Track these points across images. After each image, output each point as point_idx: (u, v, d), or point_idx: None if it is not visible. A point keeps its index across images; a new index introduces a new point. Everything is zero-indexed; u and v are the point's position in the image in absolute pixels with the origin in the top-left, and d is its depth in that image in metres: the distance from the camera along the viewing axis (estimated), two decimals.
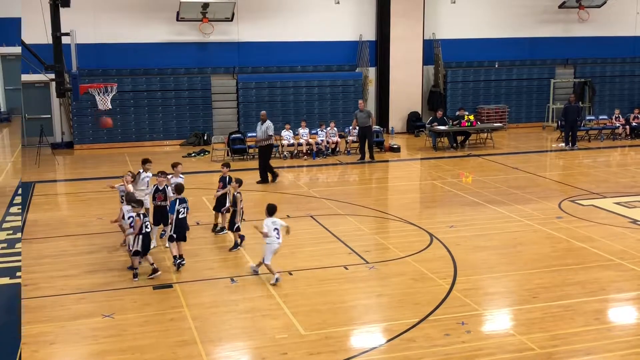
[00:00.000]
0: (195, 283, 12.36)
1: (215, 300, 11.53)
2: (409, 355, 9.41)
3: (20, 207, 16.49)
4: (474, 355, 9.38)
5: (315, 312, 10.98)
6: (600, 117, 29.39)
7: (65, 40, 16.89)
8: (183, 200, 13.06)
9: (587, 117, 28.67)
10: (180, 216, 12.90)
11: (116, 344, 9.97)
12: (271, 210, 12.43)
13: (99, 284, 12.45)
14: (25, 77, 26.11)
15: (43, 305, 11.42)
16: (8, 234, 13.11)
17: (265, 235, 12.11)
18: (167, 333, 10.25)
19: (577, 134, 25.79)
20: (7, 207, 14.73)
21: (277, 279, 12.11)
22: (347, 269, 12.87)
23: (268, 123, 20.73)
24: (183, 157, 24.99)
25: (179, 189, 13.32)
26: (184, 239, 13.09)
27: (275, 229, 12.23)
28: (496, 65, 31.39)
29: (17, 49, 26.07)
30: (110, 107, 20.51)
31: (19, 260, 11.62)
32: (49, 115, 27.22)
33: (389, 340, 9.93)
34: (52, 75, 16.86)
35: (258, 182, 20.46)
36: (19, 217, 13.99)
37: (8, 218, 14.06)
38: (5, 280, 10.86)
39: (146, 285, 12.23)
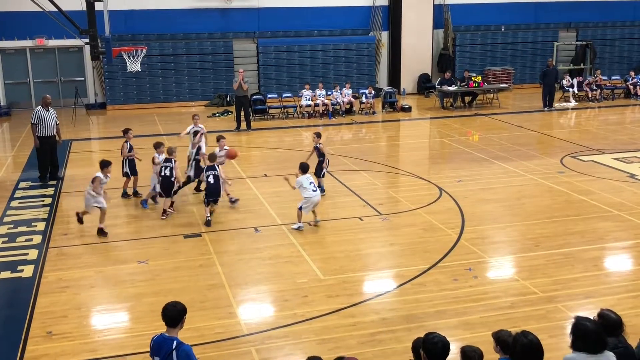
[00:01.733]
0: (222, 232, 12.52)
1: (240, 248, 11.69)
2: (419, 298, 9.56)
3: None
4: (480, 298, 9.52)
5: (332, 259, 11.12)
6: (613, 77, 29.35)
7: (97, 6, 16.85)
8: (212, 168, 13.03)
9: (588, 78, 28.34)
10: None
11: (151, 287, 10.18)
12: (305, 168, 12.66)
13: (133, 232, 12.69)
14: (60, 42, 26.12)
15: (82, 253, 11.66)
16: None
17: (292, 188, 12.52)
18: (197, 278, 10.44)
19: (554, 96, 25.60)
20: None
21: (299, 227, 12.37)
22: (362, 220, 12.98)
23: None
24: (208, 117, 25.03)
25: (211, 157, 13.30)
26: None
27: (311, 182, 12.46)
28: (502, 29, 31.01)
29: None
30: (139, 69, 20.56)
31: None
32: (83, 78, 27.28)
33: (401, 285, 10.07)
34: (87, 39, 16.82)
35: None
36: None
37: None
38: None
39: (177, 234, 12.41)
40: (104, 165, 12.74)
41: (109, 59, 18.09)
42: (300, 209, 12.43)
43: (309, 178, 12.52)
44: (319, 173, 14.46)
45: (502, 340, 5.75)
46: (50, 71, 26.97)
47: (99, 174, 12.52)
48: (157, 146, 14.23)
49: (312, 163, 14.11)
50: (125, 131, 15.17)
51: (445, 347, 5.34)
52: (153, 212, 13.80)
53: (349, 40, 29.22)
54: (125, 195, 14.72)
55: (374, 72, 29.64)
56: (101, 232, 12.37)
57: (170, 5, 27.18)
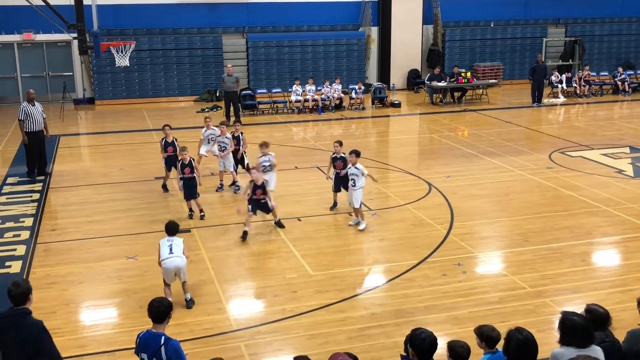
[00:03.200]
0: (211, 228, 12.50)
1: (230, 244, 11.68)
2: (408, 293, 9.59)
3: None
4: (469, 293, 9.56)
5: (322, 254, 11.12)
6: (601, 73, 29.36)
7: (86, 1, 16.78)
8: None
9: (576, 73, 28.45)
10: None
11: (139, 283, 10.15)
12: (359, 153, 12.36)
13: (122, 228, 12.60)
14: (48, 37, 25.94)
15: (71, 248, 11.61)
16: None
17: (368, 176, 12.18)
18: (187, 273, 10.38)
19: (543, 92, 25.69)
20: None
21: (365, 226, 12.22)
22: (351, 215, 12.97)
23: None
24: (197, 112, 24.98)
25: None
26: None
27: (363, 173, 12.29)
28: (492, 25, 31.08)
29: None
30: (128, 64, 20.49)
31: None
32: (71, 73, 27.12)
33: (390, 280, 10.10)
34: (75, 34, 16.73)
35: None
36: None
37: None
38: None
39: None
40: (174, 230, 9.69)
41: (98, 53, 18.06)
42: (359, 206, 12.25)
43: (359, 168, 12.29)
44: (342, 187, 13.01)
45: (486, 335, 5.76)
46: (38, 66, 26.80)
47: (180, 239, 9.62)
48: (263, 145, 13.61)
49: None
50: (163, 128, 14.92)
51: (432, 343, 5.33)
52: (143, 206, 13.73)
53: (339, 36, 29.20)
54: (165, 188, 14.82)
55: (363, 67, 29.64)
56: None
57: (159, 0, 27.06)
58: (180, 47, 27.58)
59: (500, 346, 5.68)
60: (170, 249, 9.26)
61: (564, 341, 5.58)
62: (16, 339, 6.05)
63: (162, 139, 14.70)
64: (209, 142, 15.41)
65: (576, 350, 5.43)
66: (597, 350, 5.53)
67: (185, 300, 9.42)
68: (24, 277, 10.39)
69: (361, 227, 12.24)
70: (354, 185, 12.22)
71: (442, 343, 5.54)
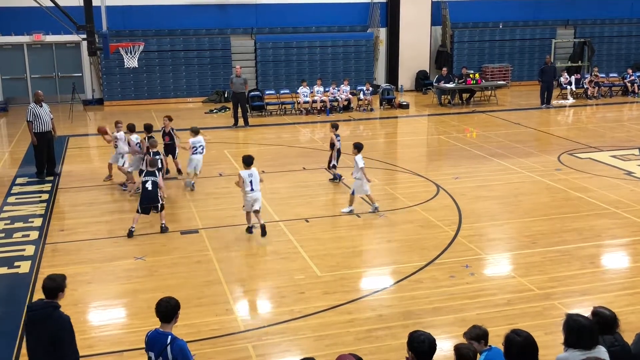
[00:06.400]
0: (219, 229, 12.52)
1: (238, 245, 11.69)
2: (416, 295, 9.58)
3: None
4: (476, 295, 9.54)
5: (329, 255, 11.12)
6: (610, 75, 29.19)
7: (95, 2, 16.86)
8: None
9: (585, 75, 28.37)
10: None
11: (147, 283, 10.18)
12: (359, 147, 13.22)
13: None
14: (57, 38, 26.06)
15: (79, 249, 11.65)
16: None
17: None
18: (194, 274, 10.43)
19: (552, 94, 25.62)
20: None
21: (350, 210, 13.16)
22: (359, 216, 12.98)
23: None
24: (205, 113, 25.07)
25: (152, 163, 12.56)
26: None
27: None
28: (500, 26, 31.03)
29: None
30: (137, 65, 20.54)
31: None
32: (80, 74, 27.23)
33: (398, 282, 10.10)
34: (84, 35, 16.80)
35: None
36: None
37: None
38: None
39: (174, 230, 12.40)
40: (250, 162, 12.06)
41: (107, 54, 18.12)
42: (352, 193, 13.18)
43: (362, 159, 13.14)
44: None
45: (475, 334, 5.80)
46: (48, 67, 26.92)
47: (256, 171, 12.22)
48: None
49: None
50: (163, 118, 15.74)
51: (432, 344, 5.31)
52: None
53: (347, 37, 29.21)
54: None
55: (371, 68, 29.64)
56: None
57: (168, 1, 27.13)
58: (189, 48, 27.66)
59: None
60: (251, 185, 11.67)
61: (568, 343, 5.56)
62: (40, 330, 6.19)
63: (162, 128, 15.00)
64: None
65: (581, 353, 5.41)
66: (602, 351, 5.51)
67: (261, 226, 11.78)
68: (33, 277, 10.45)
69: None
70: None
71: (450, 345, 5.53)
